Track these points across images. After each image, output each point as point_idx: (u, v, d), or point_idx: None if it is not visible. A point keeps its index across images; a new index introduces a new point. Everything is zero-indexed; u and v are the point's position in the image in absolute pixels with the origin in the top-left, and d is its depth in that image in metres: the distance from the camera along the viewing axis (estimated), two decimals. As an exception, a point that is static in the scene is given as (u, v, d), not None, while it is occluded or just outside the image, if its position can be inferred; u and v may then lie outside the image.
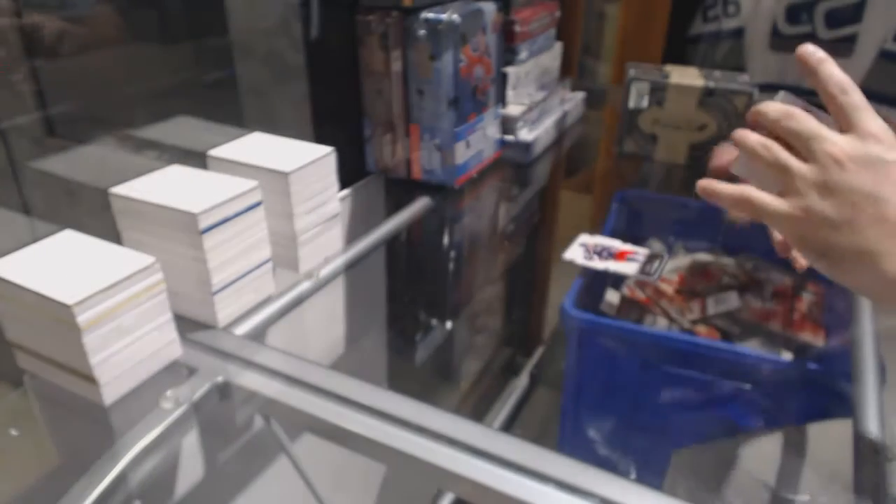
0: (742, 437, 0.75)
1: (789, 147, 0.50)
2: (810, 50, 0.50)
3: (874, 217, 0.46)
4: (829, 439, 0.68)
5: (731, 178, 0.55)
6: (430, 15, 0.87)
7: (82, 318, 0.48)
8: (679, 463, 0.77)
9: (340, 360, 0.90)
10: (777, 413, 0.76)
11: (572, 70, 1.45)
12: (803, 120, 0.49)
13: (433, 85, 0.91)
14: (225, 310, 0.61)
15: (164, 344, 0.55)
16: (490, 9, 0.96)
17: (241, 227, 0.60)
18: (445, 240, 1.06)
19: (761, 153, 0.51)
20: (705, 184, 0.55)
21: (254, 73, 0.92)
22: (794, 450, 0.69)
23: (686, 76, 1.03)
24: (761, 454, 0.70)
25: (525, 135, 1.11)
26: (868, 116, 0.49)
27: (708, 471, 0.73)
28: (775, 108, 0.51)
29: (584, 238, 0.88)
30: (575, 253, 0.85)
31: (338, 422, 0.50)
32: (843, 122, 0.49)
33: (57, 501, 0.44)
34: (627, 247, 0.86)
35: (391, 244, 0.89)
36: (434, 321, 1.06)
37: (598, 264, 0.82)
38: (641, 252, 0.84)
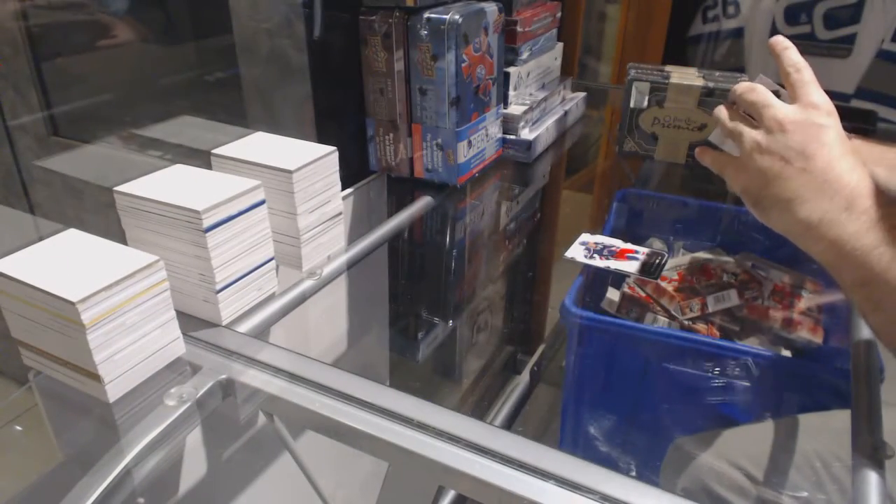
0: (739, 430, 0.75)
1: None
2: (779, 39, 0.60)
3: (799, 170, 0.55)
4: (828, 435, 0.68)
5: None
6: (432, 15, 0.88)
7: (87, 316, 0.48)
8: (675, 454, 0.77)
9: (343, 357, 0.91)
10: (777, 411, 0.77)
11: (573, 70, 1.46)
12: (760, 92, 0.59)
13: (435, 84, 0.91)
14: (228, 308, 0.61)
15: (168, 341, 0.56)
16: (492, 9, 0.96)
17: (245, 226, 0.60)
18: (447, 238, 1.07)
19: (725, 122, 0.62)
20: (700, 149, 0.68)
21: (257, 73, 0.92)
22: (792, 446, 0.69)
23: (686, 76, 1.03)
24: (759, 450, 0.70)
25: (526, 134, 1.12)
26: (813, 90, 0.58)
27: (703, 462, 0.73)
28: (743, 85, 0.61)
29: (585, 237, 0.89)
30: (576, 251, 0.85)
31: (340, 419, 0.51)
32: (793, 95, 0.58)
33: (62, 498, 0.45)
34: (628, 245, 0.86)
35: (393, 243, 0.89)
36: (436, 319, 1.07)
37: (599, 263, 0.83)
38: (642, 251, 0.85)
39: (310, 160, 0.67)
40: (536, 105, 1.15)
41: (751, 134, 0.59)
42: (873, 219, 0.52)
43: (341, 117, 0.97)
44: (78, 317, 0.48)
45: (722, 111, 0.63)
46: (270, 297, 0.66)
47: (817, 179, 0.54)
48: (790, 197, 0.55)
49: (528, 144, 1.10)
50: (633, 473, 0.76)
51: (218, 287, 0.59)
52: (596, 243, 0.87)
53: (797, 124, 0.56)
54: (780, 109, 0.57)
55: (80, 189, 1.19)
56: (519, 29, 1.08)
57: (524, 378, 0.90)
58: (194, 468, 0.66)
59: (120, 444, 0.48)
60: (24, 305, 0.51)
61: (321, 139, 0.72)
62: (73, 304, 0.47)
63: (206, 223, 0.56)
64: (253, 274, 0.63)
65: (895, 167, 0.72)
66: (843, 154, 0.55)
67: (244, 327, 0.62)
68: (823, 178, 0.54)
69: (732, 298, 0.86)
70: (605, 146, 1.47)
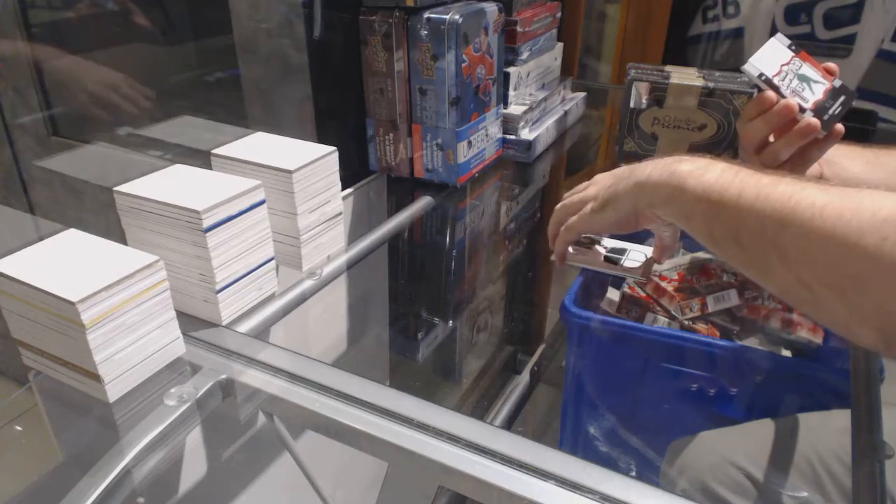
0: (739, 429, 0.75)
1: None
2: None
3: (627, 172, 0.63)
4: (828, 433, 0.68)
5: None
6: (432, 15, 0.88)
7: (86, 316, 0.48)
8: (674, 454, 0.77)
9: (343, 357, 0.91)
10: (777, 411, 0.77)
11: (573, 70, 1.46)
12: (568, 197, 0.71)
13: (435, 85, 0.91)
14: (228, 308, 0.61)
15: (168, 341, 0.56)
16: (492, 9, 0.96)
17: (245, 226, 0.60)
18: (447, 238, 1.07)
19: (562, 218, 0.71)
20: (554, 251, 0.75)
21: (257, 73, 0.92)
22: (792, 446, 0.69)
23: (686, 76, 1.03)
24: (759, 450, 0.70)
25: (526, 134, 1.12)
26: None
27: (702, 462, 0.73)
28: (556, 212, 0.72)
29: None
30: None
31: (340, 419, 0.51)
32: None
33: (62, 498, 0.45)
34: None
35: (393, 243, 0.89)
36: (436, 319, 1.07)
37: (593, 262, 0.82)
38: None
39: (310, 160, 0.67)
40: (536, 105, 1.15)
41: (584, 195, 0.69)
42: (705, 163, 0.55)
43: (341, 117, 0.97)
44: (78, 317, 0.48)
45: (553, 227, 0.73)
46: (270, 297, 0.66)
47: (633, 167, 0.62)
48: (622, 177, 0.64)
49: (528, 144, 1.10)
50: (633, 473, 0.76)
51: (218, 287, 0.59)
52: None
53: (605, 177, 0.67)
54: (587, 187, 0.70)
55: (80, 189, 1.19)
56: (519, 29, 1.08)
57: (524, 378, 0.90)
58: (194, 468, 0.66)
59: (120, 444, 0.48)
60: (24, 305, 0.51)
61: (321, 139, 0.72)
62: (73, 304, 0.47)
63: (206, 223, 0.56)
64: (253, 274, 0.63)
65: (872, 164, 0.73)
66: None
67: (244, 327, 0.62)
68: (629, 174, 0.62)
69: (732, 298, 0.86)
70: (605, 146, 1.47)
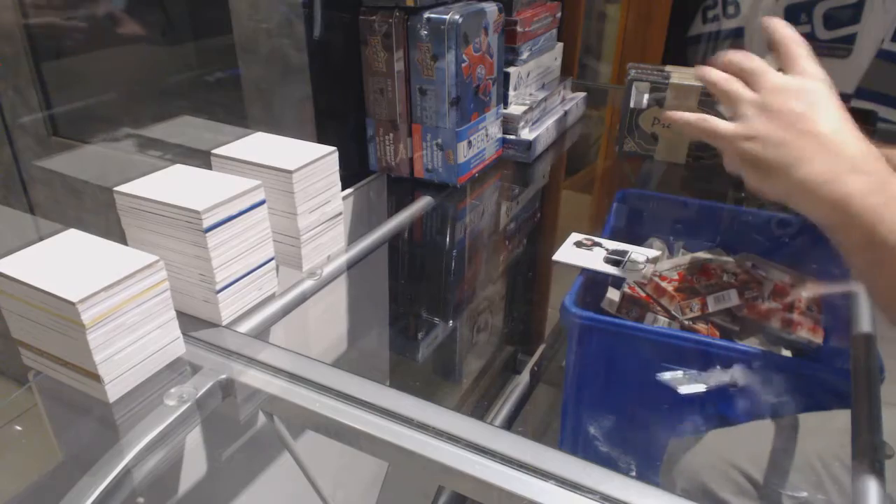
0: (738, 430, 0.75)
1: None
2: (772, 18, 0.60)
3: (802, 132, 0.54)
4: (828, 433, 0.68)
5: None
6: (432, 15, 0.88)
7: (87, 316, 0.48)
8: (674, 454, 0.78)
9: (343, 357, 0.91)
10: (777, 411, 0.77)
11: (573, 70, 1.46)
12: (756, 60, 0.59)
13: (435, 85, 0.91)
14: (228, 308, 0.61)
15: (168, 341, 0.56)
16: (492, 9, 0.96)
17: (245, 226, 0.60)
18: (447, 238, 1.07)
19: (721, 83, 0.60)
20: (670, 112, 0.65)
21: (257, 73, 0.92)
22: (792, 446, 0.69)
23: (686, 76, 1.03)
24: (759, 450, 0.70)
25: (526, 134, 1.12)
26: (808, 62, 0.58)
27: (701, 463, 0.73)
28: (736, 53, 0.61)
29: (576, 237, 0.89)
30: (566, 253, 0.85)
31: (340, 419, 0.51)
32: (788, 66, 0.58)
33: (62, 498, 0.45)
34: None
35: (393, 243, 0.89)
36: (436, 319, 1.07)
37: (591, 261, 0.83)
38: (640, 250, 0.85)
39: (310, 160, 0.67)
40: (536, 105, 1.15)
41: (750, 96, 0.58)
42: (881, 180, 0.51)
43: (341, 117, 0.97)
44: (78, 317, 0.48)
45: (713, 72, 0.61)
46: (270, 297, 0.66)
47: (821, 142, 0.53)
48: (793, 158, 0.54)
49: (528, 144, 1.10)
50: (633, 473, 0.76)
51: (218, 287, 0.59)
52: (592, 243, 0.87)
53: (798, 90, 0.56)
54: (779, 76, 0.57)
55: (80, 189, 1.19)
56: (519, 29, 1.08)
57: (524, 378, 0.90)
58: (194, 468, 0.66)
59: (120, 444, 0.48)
60: (25, 305, 0.51)
61: (321, 139, 0.72)
62: (73, 304, 0.47)
63: (207, 223, 0.56)
64: (253, 274, 0.63)
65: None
66: (845, 121, 0.55)
67: (244, 327, 0.62)
68: (827, 140, 0.53)
69: (732, 298, 0.86)
70: (605, 146, 1.47)
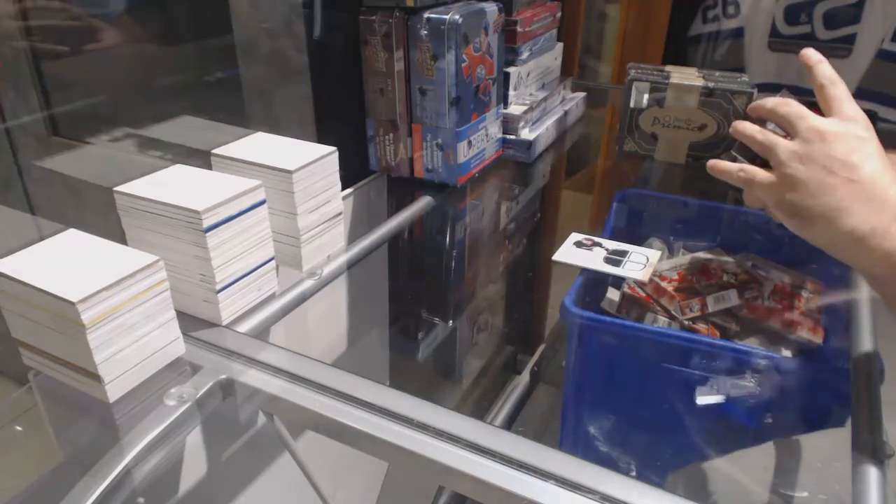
0: (734, 457, 0.75)
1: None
2: (811, 52, 0.60)
3: (845, 180, 0.53)
4: (827, 434, 0.68)
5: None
6: (432, 15, 0.88)
7: (87, 316, 0.48)
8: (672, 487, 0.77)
9: (343, 357, 0.91)
10: (777, 410, 0.77)
11: (573, 70, 1.46)
12: (793, 105, 0.59)
13: (435, 84, 0.91)
14: (228, 308, 0.61)
15: (168, 341, 0.56)
16: (492, 9, 0.96)
17: (245, 226, 0.60)
18: (447, 238, 1.07)
19: (757, 136, 0.60)
20: (713, 162, 0.65)
21: (257, 73, 0.92)
22: (792, 447, 0.69)
23: (686, 76, 1.03)
24: (759, 450, 0.70)
25: (526, 134, 1.12)
26: (848, 104, 0.57)
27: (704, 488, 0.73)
28: (772, 100, 0.60)
29: (576, 237, 0.89)
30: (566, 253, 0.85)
31: (340, 419, 0.51)
32: (827, 109, 0.58)
33: (62, 498, 0.45)
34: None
35: (393, 243, 0.89)
36: (436, 319, 1.07)
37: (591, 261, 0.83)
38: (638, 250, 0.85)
39: (310, 160, 0.67)
40: (536, 105, 1.15)
41: (787, 144, 0.57)
42: None
43: (341, 117, 0.97)
44: (78, 317, 0.48)
45: (747, 126, 0.61)
46: (270, 298, 0.66)
47: (864, 190, 0.53)
48: (836, 207, 0.53)
49: (528, 144, 1.10)
50: (633, 473, 0.76)
51: (218, 287, 0.59)
52: (592, 243, 0.87)
53: (838, 135, 0.55)
54: (818, 120, 0.56)
55: (80, 189, 1.19)
56: (519, 29, 1.08)
57: (524, 378, 0.90)
58: (194, 468, 0.67)
59: (120, 444, 0.48)
60: (24, 305, 0.51)
61: (321, 139, 0.72)
62: (73, 304, 0.47)
63: (207, 223, 0.56)
64: (253, 274, 0.63)
65: None
66: (885, 167, 0.54)
67: (244, 327, 0.62)
68: (871, 188, 0.52)
69: (732, 298, 0.86)
70: (605, 146, 1.47)
